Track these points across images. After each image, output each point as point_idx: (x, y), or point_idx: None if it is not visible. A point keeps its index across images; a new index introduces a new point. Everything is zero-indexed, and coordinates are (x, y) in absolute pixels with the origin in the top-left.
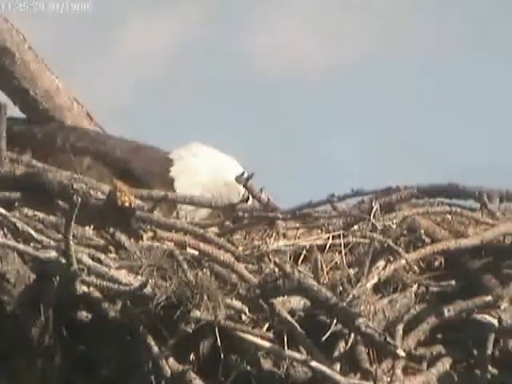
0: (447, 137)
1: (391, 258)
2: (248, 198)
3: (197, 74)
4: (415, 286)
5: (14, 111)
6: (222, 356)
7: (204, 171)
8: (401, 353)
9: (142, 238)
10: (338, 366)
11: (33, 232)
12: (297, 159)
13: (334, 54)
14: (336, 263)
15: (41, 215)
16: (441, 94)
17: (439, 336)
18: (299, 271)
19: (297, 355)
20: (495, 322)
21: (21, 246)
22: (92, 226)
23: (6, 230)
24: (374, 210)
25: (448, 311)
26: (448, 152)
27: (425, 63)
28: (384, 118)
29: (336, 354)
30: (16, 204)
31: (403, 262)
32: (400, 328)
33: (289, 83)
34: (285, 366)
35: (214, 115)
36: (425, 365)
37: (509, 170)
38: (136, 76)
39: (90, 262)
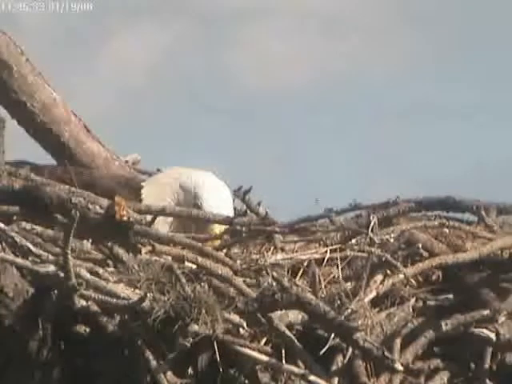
0: (427, 147)
1: (389, 272)
2: (246, 212)
3: (181, 86)
4: (413, 300)
5: (12, 124)
6: (221, 370)
7: (165, 177)
8: (399, 367)
9: (140, 251)
10: (336, 380)
11: (31, 246)
12: (282, 172)
13: (318, 66)
14: (334, 277)
15: (39, 229)
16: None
17: (437, 350)
18: (297, 285)
19: (295, 369)
20: (493, 335)
21: (19, 260)
22: (90, 240)
23: (4, 243)
24: (371, 224)
25: (446, 325)
26: (428, 162)
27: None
28: (367, 130)
29: (334, 367)
30: (14, 218)
31: (401, 276)
32: (398, 342)
33: (273, 95)
34: (283, 380)
35: (198, 127)
36: (423, 379)
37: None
38: (119, 86)
39: (88, 275)
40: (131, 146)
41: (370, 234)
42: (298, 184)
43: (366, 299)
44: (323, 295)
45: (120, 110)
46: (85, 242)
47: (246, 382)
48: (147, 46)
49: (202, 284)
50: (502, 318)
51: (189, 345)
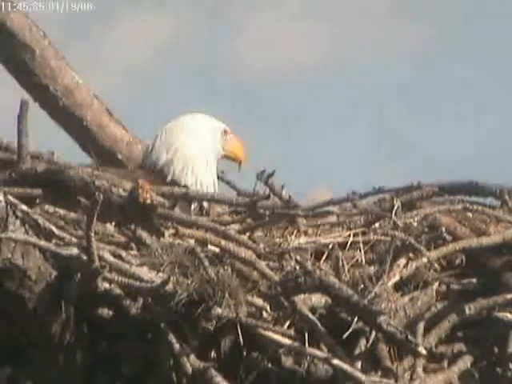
0: (434, 133)
1: (412, 256)
2: (269, 195)
3: (184, 72)
4: (436, 284)
5: (35, 107)
6: (244, 353)
7: None
8: (422, 351)
9: (163, 235)
10: (359, 364)
11: (54, 229)
12: (286, 156)
13: (322, 52)
14: (357, 261)
15: (62, 212)
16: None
17: (460, 334)
18: (320, 269)
19: (318, 353)
20: None
21: (42, 243)
22: (113, 223)
23: (27, 226)
24: (395, 208)
25: (469, 309)
26: (435, 147)
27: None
28: (375, 115)
29: (357, 351)
30: (37, 201)
31: (424, 259)
32: (421, 326)
33: (276, 80)
34: (306, 364)
35: (202, 111)
36: (446, 363)
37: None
38: (124, 74)
39: (111, 258)
40: (136, 130)
41: (394, 217)
42: (301, 168)
43: (390, 283)
44: (346, 279)
45: (126, 92)
46: (108, 224)
47: (269, 365)
48: (151, 32)
49: (225, 267)
50: None
51: (212, 328)
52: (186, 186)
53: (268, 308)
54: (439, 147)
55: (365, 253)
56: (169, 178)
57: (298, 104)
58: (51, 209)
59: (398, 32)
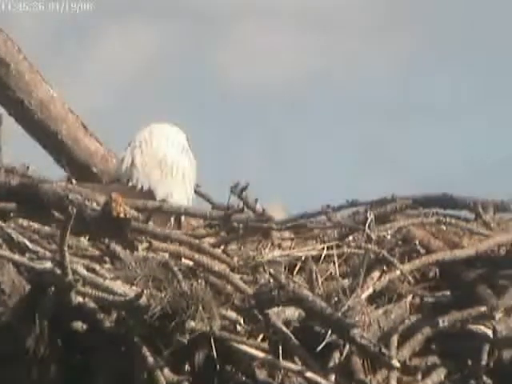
0: (416, 144)
1: (386, 269)
2: (243, 209)
3: (170, 85)
4: (410, 297)
5: (9, 121)
6: (218, 366)
7: None
8: (395, 363)
9: (137, 248)
10: (332, 377)
11: (28, 243)
12: (271, 168)
13: (307, 65)
14: (331, 274)
15: (36, 226)
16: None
17: (434, 347)
18: (294, 282)
19: (292, 366)
20: (490, 332)
21: (16, 257)
22: (87, 237)
23: (1, 240)
24: (368, 221)
25: (443, 322)
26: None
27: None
28: (356, 128)
29: (331, 364)
30: (11, 214)
31: (398, 272)
32: (395, 339)
33: (261, 93)
34: (280, 377)
35: (187, 125)
36: (420, 376)
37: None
38: (110, 87)
39: (85, 272)
40: (120, 145)
41: (367, 230)
42: (286, 181)
43: (363, 296)
44: (320, 292)
45: (110, 106)
46: (82, 238)
47: (243, 378)
48: (137, 45)
49: (199, 281)
50: (498, 315)
51: (186, 341)
52: (161, 200)
53: (242, 321)
54: (421, 160)
55: (338, 266)
56: (144, 189)
57: (283, 117)
58: (25, 223)
59: (384, 45)
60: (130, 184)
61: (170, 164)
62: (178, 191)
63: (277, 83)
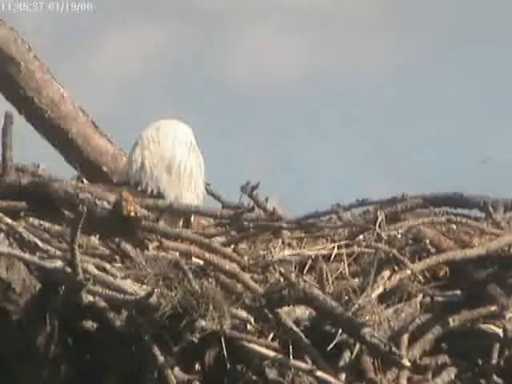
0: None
1: (396, 268)
2: (253, 208)
3: (173, 85)
4: (420, 296)
5: (20, 120)
6: (228, 366)
7: None
8: (406, 363)
9: (147, 247)
10: (343, 376)
11: (38, 241)
12: (275, 170)
13: (311, 64)
14: (341, 273)
15: (47, 225)
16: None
17: (444, 346)
18: (304, 281)
19: (302, 365)
20: (500, 331)
21: (27, 256)
22: (98, 236)
23: (11, 239)
24: (379, 220)
25: (453, 321)
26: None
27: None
28: (361, 128)
29: (341, 363)
30: (22, 213)
31: (408, 271)
32: (405, 338)
33: (265, 93)
34: (290, 376)
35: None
36: (430, 375)
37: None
38: (112, 88)
39: (95, 271)
40: (119, 145)
41: (378, 229)
42: (286, 181)
43: (374, 295)
44: (330, 291)
45: (114, 105)
46: (92, 237)
47: (253, 377)
48: (137, 45)
49: (210, 280)
50: (509, 314)
51: (196, 340)
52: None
53: (252, 320)
54: (429, 159)
55: (349, 265)
56: (154, 191)
57: (287, 116)
58: (36, 222)
59: (385, 44)
60: (140, 188)
61: (178, 165)
62: (188, 192)
63: (277, 83)
